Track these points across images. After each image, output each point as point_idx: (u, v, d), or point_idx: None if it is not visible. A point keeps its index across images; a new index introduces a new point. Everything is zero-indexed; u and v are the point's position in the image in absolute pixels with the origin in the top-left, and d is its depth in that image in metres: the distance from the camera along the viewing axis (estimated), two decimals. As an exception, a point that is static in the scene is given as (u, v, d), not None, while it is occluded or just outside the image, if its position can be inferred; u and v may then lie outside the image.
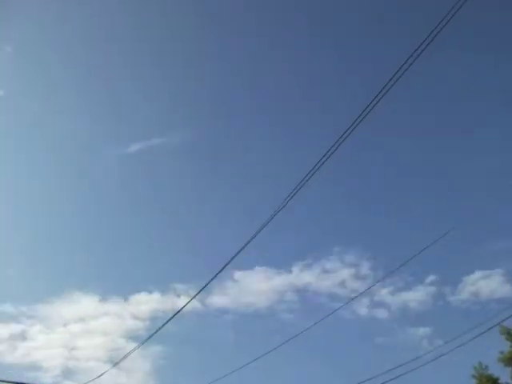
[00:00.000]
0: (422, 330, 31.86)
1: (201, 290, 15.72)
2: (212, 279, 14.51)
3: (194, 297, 16.47)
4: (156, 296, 35.67)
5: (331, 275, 34.56)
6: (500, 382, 21.21)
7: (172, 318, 16.51)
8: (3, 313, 35.97)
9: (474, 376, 21.52)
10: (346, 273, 34.36)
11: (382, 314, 32.53)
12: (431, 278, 32.24)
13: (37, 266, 40.48)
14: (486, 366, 21.50)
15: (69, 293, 36.43)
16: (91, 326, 35.66)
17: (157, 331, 17.42)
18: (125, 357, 19.72)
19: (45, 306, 37.77)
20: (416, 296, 32.12)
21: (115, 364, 20.38)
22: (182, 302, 30.77)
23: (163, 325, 17.05)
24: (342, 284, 33.97)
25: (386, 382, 15.02)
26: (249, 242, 12.69)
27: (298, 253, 35.26)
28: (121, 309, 35.70)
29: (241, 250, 12.84)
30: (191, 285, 32.18)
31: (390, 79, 9.47)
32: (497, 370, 21.47)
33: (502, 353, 20.81)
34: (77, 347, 35.45)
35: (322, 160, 10.68)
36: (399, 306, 32.29)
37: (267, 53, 39.89)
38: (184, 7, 39.79)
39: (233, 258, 13.05)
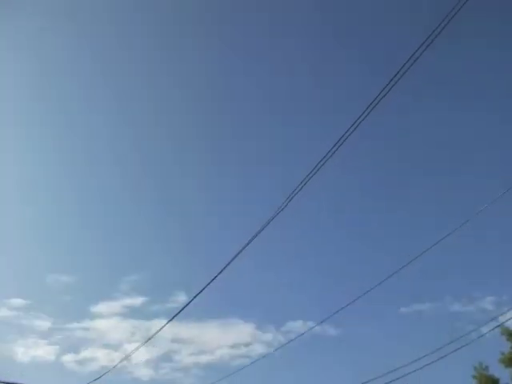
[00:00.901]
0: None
1: (196, 296, 15.33)
2: (209, 283, 14.07)
3: (188, 304, 16.17)
4: (309, 324, 35.05)
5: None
6: (500, 383, 21.04)
7: (167, 323, 16.67)
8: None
9: (474, 376, 21.35)
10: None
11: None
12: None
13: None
14: (487, 367, 21.32)
15: (228, 319, 37.12)
16: (241, 352, 36.22)
17: (153, 336, 17.74)
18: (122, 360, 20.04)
19: (201, 331, 37.80)
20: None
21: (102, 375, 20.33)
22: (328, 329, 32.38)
23: (158, 331, 17.33)
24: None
25: (390, 382, 14.84)
26: (248, 243, 12.26)
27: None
28: (272, 337, 35.94)
29: (240, 252, 12.42)
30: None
31: (397, 72, 9.10)
32: (497, 370, 21.32)
33: (502, 354, 20.61)
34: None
35: (325, 158, 10.36)
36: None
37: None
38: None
39: (232, 261, 12.62)
